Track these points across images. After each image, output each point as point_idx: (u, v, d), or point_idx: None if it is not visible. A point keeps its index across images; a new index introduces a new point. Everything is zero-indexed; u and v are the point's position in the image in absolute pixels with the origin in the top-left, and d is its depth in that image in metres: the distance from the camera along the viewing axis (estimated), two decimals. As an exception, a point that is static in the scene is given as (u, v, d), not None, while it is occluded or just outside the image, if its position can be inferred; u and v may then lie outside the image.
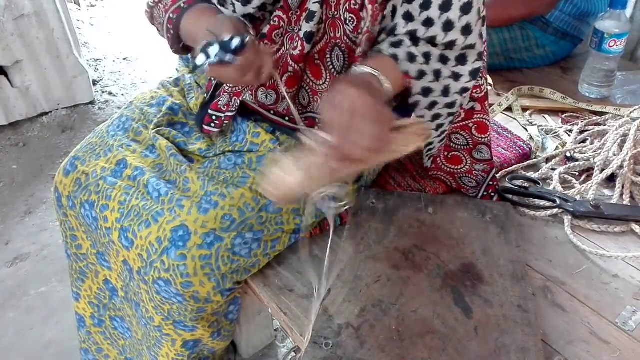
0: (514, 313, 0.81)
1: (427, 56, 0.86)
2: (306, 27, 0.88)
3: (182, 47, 0.97)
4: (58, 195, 1.05)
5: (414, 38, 0.86)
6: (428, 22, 0.86)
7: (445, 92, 0.90)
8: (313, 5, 0.87)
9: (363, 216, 0.99)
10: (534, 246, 1.02)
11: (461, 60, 0.89)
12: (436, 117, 0.93)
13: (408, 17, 0.86)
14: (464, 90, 0.92)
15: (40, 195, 2.04)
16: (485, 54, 0.97)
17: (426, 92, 0.88)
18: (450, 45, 0.88)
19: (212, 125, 1.01)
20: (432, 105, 0.91)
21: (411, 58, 0.85)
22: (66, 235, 1.08)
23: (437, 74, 0.87)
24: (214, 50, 0.75)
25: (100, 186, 0.97)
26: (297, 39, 0.90)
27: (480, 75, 0.96)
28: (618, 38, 1.37)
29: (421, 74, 0.86)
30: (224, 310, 0.99)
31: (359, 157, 0.72)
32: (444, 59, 0.88)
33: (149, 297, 0.93)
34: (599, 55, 1.42)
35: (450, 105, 0.92)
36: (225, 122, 1.00)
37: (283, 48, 0.93)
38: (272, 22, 0.91)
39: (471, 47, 0.89)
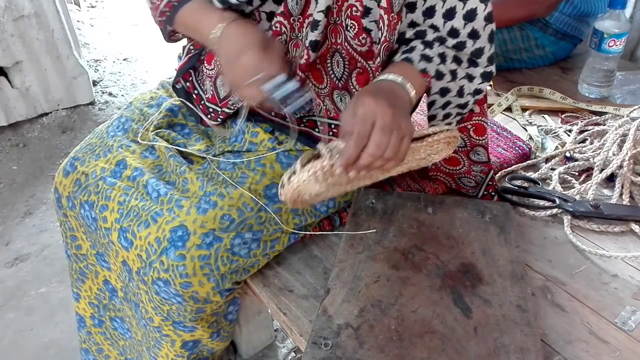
0: (514, 313, 0.81)
1: (442, 57, 0.87)
2: (311, 35, 0.87)
3: (168, 34, 1.00)
4: (58, 195, 1.05)
5: (425, 42, 0.88)
6: (434, 28, 0.88)
7: (460, 92, 0.91)
8: (317, 14, 0.86)
9: (362, 216, 0.99)
10: (534, 246, 1.02)
11: (472, 62, 0.91)
12: (447, 116, 0.95)
13: (412, 24, 0.89)
14: (477, 91, 0.93)
15: (41, 195, 2.04)
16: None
17: (444, 92, 0.90)
18: (460, 46, 0.89)
19: (209, 117, 1.02)
20: (446, 105, 0.92)
21: (428, 59, 0.86)
22: (66, 236, 1.09)
23: (454, 74, 0.89)
24: (285, 89, 0.81)
25: (100, 187, 0.98)
26: (303, 47, 0.89)
27: None
28: (617, 38, 1.37)
29: (440, 75, 0.87)
30: (223, 311, 0.99)
31: (376, 167, 0.75)
32: (457, 60, 0.89)
33: (149, 297, 0.93)
34: (598, 55, 1.42)
35: (463, 106, 0.93)
36: (221, 116, 1.00)
37: (288, 55, 0.93)
38: (273, 28, 0.90)
39: (480, 51, 0.90)
